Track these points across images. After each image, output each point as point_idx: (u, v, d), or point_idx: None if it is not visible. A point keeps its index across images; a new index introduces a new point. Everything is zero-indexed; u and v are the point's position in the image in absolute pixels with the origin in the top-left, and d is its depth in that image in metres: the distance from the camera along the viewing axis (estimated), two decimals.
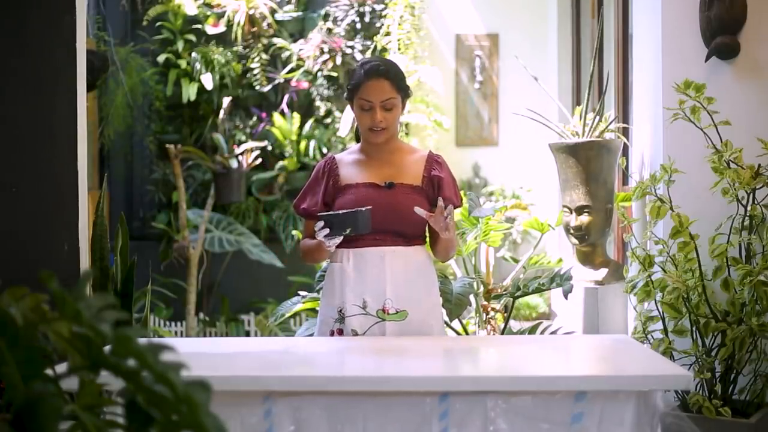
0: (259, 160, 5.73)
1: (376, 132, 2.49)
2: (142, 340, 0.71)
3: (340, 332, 2.46)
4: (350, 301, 2.45)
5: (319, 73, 5.97)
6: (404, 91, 2.55)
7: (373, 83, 2.47)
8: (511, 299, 3.31)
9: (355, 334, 2.44)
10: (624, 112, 4.40)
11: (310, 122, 5.96)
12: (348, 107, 5.72)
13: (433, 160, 2.58)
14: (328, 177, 2.55)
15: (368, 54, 5.95)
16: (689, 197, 2.89)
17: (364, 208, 2.34)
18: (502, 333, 3.37)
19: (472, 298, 3.38)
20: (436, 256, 2.64)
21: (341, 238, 2.37)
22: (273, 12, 6.09)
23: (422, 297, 2.51)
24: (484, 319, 3.41)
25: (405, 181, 2.51)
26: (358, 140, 2.68)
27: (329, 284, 2.52)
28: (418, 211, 2.37)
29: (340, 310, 2.46)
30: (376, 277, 2.46)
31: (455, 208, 2.54)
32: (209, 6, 6.04)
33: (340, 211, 2.38)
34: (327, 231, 2.35)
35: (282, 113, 5.95)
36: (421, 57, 5.98)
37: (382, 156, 2.55)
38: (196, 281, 5.55)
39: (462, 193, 3.63)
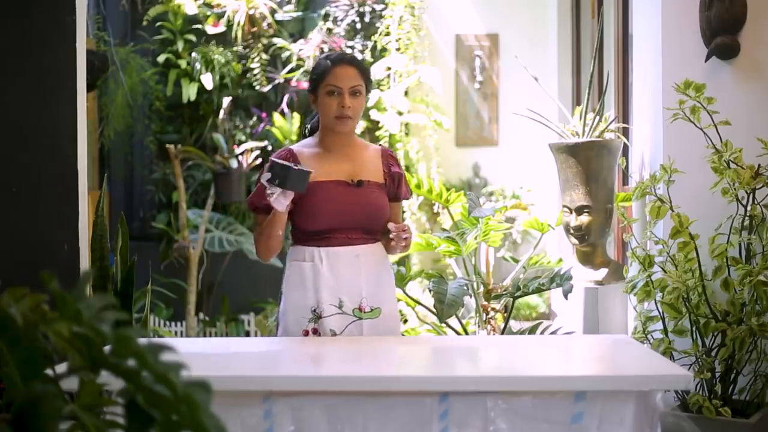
0: (259, 160, 5.73)
1: (343, 120, 2.47)
2: (142, 340, 0.71)
3: (315, 332, 2.44)
4: (326, 301, 2.43)
5: None
6: (369, 83, 2.57)
7: (342, 69, 2.48)
8: (511, 299, 3.32)
9: (334, 334, 2.43)
10: (624, 112, 4.40)
11: None
12: None
13: (389, 156, 2.61)
14: None
15: (368, 54, 5.95)
16: (689, 197, 2.89)
17: (297, 167, 2.32)
18: (502, 333, 3.37)
19: (472, 298, 3.38)
20: (389, 252, 2.65)
21: (277, 190, 2.32)
22: (273, 12, 6.09)
23: (390, 292, 2.55)
24: (484, 319, 3.41)
25: (370, 178, 2.51)
26: (305, 136, 2.66)
27: (299, 283, 2.47)
28: (391, 226, 2.42)
29: (314, 310, 2.44)
30: (351, 276, 2.46)
31: (406, 200, 2.65)
32: (209, 6, 6.04)
33: (279, 161, 2.34)
34: (269, 176, 2.30)
35: (282, 113, 5.95)
36: (421, 57, 5.98)
37: (342, 150, 2.54)
38: (196, 281, 5.55)
39: (462, 193, 3.66)
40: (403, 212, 5.40)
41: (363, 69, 2.53)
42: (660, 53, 3.19)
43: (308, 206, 2.44)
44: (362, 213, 2.46)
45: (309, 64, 5.95)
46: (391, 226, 2.42)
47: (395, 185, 2.57)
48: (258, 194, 2.49)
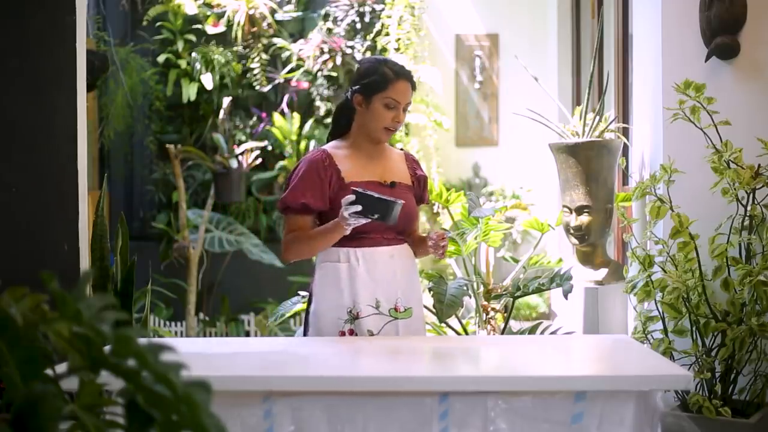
0: (259, 160, 5.73)
1: (390, 132, 2.52)
2: (142, 340, 0.71)
3: (352, 333, 2.44)
4: (363, 301, 2.44)
5: (319, 73, 5.97)
6: None
7: (404, 84, 2.50)
8: (511, 299, 3.31)
9: (371, 334, 2.45)
10: (624, 112, 4.40)
11: (310, 122, 5.96)
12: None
13: (412, 159, 2.68)
14: (329, 172, 2.48)
15: (368, 54, 5.95)
16: (689, 197, 2.89)
17: (398, 201, 2.31)
18: (502, 333, 3.37)
19: (472, 298, 3.38)
20: (416, 256, 2.69)
21: (365, 221, 2.31)
22: (273, 12, 6.09)
23: (418, 293, 2.59)
24: (484, 319, 3.41)
25: (401, 180, 2.56)
26: (334, 137, 2.64)
27: (333, 284, 2.47)
28: (432, 235, 2.44)
29: (350, 311, 2.45)
30: (387, 276, 2.48)
31: (425, 205, 2.72)
32: (209, 6, 6.04)
33: (375, 194, 2.31)
34: (359, 208, 2.28)
35: (282, 113, 5.95)
36: (421, 57, 5.98)
37: (373, 153, 2.57)
38: (196, 281, 5.55)
39: (462, 193, 3.66)
40: None
41: (414, 85, 2.56)
42: (660, 53, 3.19)
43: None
44: None
45: (309, 64, 5.95)
46: (432, 234, 2.45)
47: (421, 188, 2.63)
48: (294, 194, 2.45)
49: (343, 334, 2.44)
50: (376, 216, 2.28)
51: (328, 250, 2.50)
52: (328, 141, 2.67)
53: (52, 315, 0.73)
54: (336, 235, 2.40)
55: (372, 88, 2.48)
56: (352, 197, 2.30)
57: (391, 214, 2.29)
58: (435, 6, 6.26)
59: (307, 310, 2.58)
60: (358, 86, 2.51)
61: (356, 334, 2.44)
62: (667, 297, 2.69)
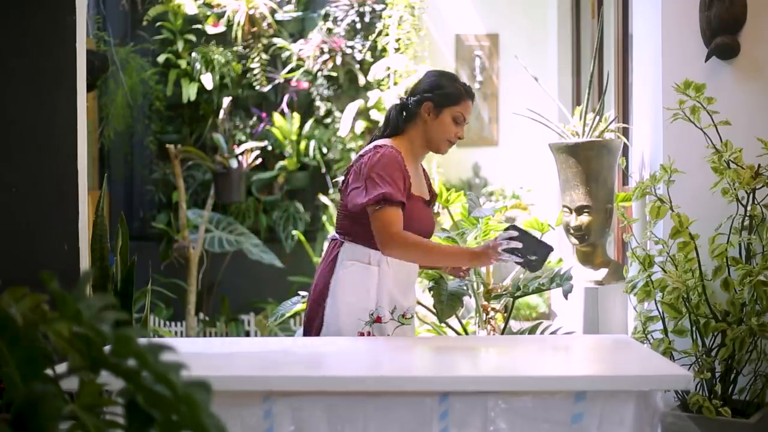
0: (259, 160, 5.73)
1: (450, 144, 2.59)
2: (142, 340, 0.71)
3: (369, 335, 2.45)
4: (386, 306, 2.47)
5: (319, 73, 5.97)
6: None
7: (471, 103, 2.59)
8: (511, 299, 3.31)
9: None
10: (624, 112, 4.40)
11: (310, 122, 5.96)
12: (350, 106, 5.76)
13: (426, 174, 2.74)
14: (406, 174, 2.47)
15: (368, 54, 5.94)
16: (689, 197, 2.89)
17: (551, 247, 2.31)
18: (502, 333, 3.37)
19: (472, 298, 3.38)
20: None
21: (516, 260, 2.32)
22: (273, 12, 6.09)
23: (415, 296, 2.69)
24: (484, 319, 3.40)
25: (429, 197, 2.65)
26: (388, 135, 2.58)
27: (361, 285, 2.45)
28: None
29: (372, 314, 2.45)
30: (407, 283, 2.54)
31: None
32: (209, 6, 6.04)
33: (538, 236, 2.31)
34: (519, 245, 2.29)
35: (282, 113, 5.95)
36: (421, 57, 5.98)
37: (419, 163, 2.64)
38: (196, 281, 5.55)
39: (462, 193, 3.66)
40: None
41: None
42: (660, 53, 3.19)
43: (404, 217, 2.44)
44: (430, 230, 2.59)
45: (309, 64, 5.95)
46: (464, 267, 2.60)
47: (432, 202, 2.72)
48: (394, 189, 2.39)
49: (362, 335, 2.44)
50: (533, 258, 2.25)
51: (357, 250, 2.47)
52: (374, 139, 2.61)
53: (52, 315, 0.73)
54: (471, 263, 2.51)
55: (446, 100, 2.53)
56: (513, 233, 2.32)
57: (546, 261, 2.29)
58: (435, 6, 6.26)
59: (313, 308, 2.53)
60: (429, 95, 2.54)
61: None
62: (667, 297, 2.69)
